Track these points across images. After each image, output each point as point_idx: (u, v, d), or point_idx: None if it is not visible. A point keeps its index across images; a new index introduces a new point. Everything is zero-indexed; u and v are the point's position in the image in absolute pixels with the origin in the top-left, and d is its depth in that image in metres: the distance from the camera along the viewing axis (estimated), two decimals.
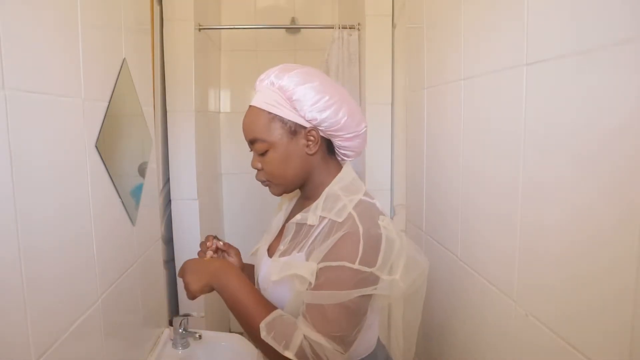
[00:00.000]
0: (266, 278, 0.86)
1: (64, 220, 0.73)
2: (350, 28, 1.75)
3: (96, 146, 0.85)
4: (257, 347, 0.81)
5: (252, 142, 0.86)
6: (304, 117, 0.83)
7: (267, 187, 0.90)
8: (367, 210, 0.79)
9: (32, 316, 0.61)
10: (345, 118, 0.83)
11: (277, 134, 0.83)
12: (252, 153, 0.89)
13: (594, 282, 0.59)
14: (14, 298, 0.59)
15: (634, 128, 0.51)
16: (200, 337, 1.28)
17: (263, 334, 0.74)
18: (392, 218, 1.71)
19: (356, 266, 0.74)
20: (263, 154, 0.85)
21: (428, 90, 1.26)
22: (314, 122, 0.83)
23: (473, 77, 0.95)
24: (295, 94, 0.81)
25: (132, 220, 1.05)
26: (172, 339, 1.29)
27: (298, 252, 0.82)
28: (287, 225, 0.89)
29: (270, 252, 0.92)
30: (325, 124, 0.83)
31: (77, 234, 0.78)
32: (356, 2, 1.81)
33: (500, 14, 0.83)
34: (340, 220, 0.77)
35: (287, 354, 0.72)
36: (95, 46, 0.85)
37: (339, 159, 0.93)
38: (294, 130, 0.83)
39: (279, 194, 0.91)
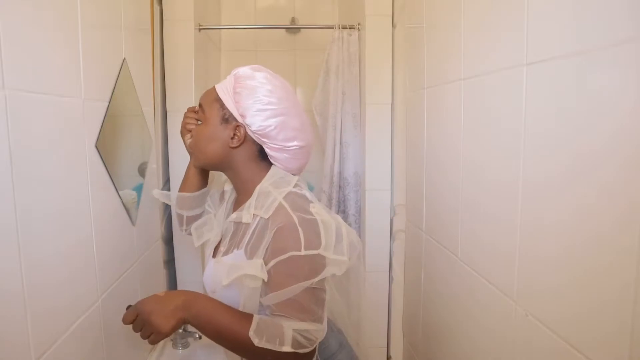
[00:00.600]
0: (213, 281, 0.89)
1: (64, 220, 0.73)
2: (350, 28, 1.75)
3: (96, 146, 0.85)
4: (248, 357, 0.81)
5: (198, 105, 0.94)
6: (238, 111, 0.87)
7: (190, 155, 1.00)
8: (298, 200, 0.84)
9: (32, 316, 0.61)
10: (272, 128, 0.86)
11: (213, 113, 0.90)
12: None
13: (594, 282, 0.59)
14: (14, 298, 0.59)
15: (634, 128, 0.51)
16: (200, 337, 1.28)
17: (256, 342, 0.75)
18: (392, 218, 1.71)
19: (303, 252, 0.78)
20: (199, 122, 0.93)
21: (428, 90, 1.26)
22: (245, 120, 0.87)
23: (473, 77, 0.95)
24: (241, 87, 0.87)
25: (132, 220, 1.05)
26: (172, 339, 1.29)
27: (237, 249, 0.86)
28: (225, 225, 0.95)
29: (215, 252, 0.97)
30: (253, 126, 0.86)
31: (77, 234, 0.78)
32: (356, 2, 1.81)
33: (500, 14, 0.83)
34: (266, 217, 0.82)
35: (284, 349, 0.76)
36: (95, 46, 0.85)
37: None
38: (227, 118, 0.89)
39: (199, 167, 1.01)
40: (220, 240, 0.98)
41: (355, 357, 1.01)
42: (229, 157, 0.90)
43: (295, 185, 0.88)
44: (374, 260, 1.71)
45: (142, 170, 1.15)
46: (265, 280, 0.79)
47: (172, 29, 1.61)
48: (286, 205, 0.81)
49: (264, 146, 0.89)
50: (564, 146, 0.64)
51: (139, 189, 1.13)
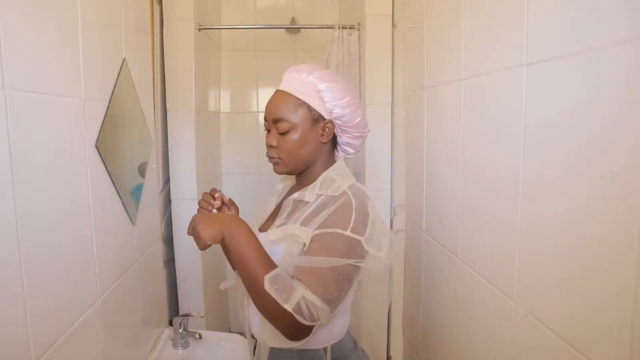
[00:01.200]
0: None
1: (64, 220, 0.73)
2: (350, 28, 1.75)
3: (96, 146, 0.85)
4: (252, 295, 0.84)
5: (275, 122, 0.94)
6: (327, 109, 0.93)
7: (274, 165, 0.99)
8: (359, 192, 0.90)
9: (32, 316, 0.61)
10: (359, 119, 0.95)
11: (301, 118, 0.92)
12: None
13: (594, 282, 0.59)
14: (14, 298, 0.59)
15: (633, 127, 0.51)
16: (200, 337, 1.28)
17: (267, 286, 0.79)
18: (392, 218, 1.71)
19: (348, 233, 0.83)
20: (283, 133, 0.93)
21: (428, 90, 1.26)
22: (334, 116, 0.94)
23: (473, 77, 0.95)
24: (324, 88, 0.92)
25: (132, 220, 1.05)
26: (172, 339, 1.29)
27: (293, 223, 0.90)
28: (284, 202, 0.97)
29: (263, 229, 1.00)
30: (343, 119, 0.94)
31: (77, 234, 0.78)
32: (356, 2, 1.81)
33: (500, 14, 0.83)
34: (336, 194, 0.88)
35: (286, 306, 0.78)
36: (95, 46, 0.85)
37: (337, 155, 1.04)
38: (316, 118, 0.93)
39: (283, 173, 0.99)
40: (267, 220, 1.02)
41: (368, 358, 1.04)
42: (317, 152, 0.96)
43: (357, 181, 0.95)
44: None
45: (142, 170, 1.15)
46: (307, 245, 0.84)
47: (172, 29, 1.61)
48: (349, 191, 0.88)
49: (343, 136, 0.97)
50: (564, 146, 0.64)
51: (139, 189, 1.13)
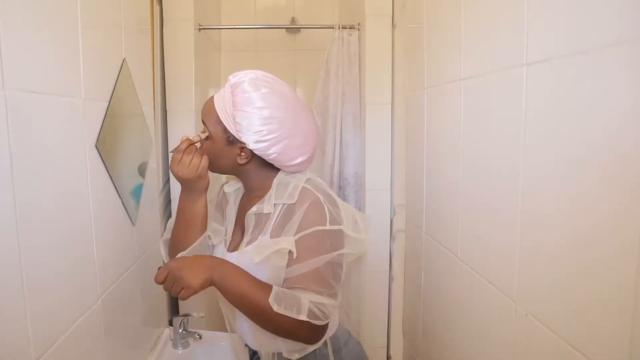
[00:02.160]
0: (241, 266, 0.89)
1: (63, 220, 0.73)
2: (350, 28, 1.75)
3: (96, 146, 0.85)
4: (264, 325, 0.84)
5: (202, 121, 0.95)
6: (240, 137, 0.88)
7: None
8: (318, 184, 0.91)
9: (32, 316, 0.61)
10: (276, 154, 0.88)
11: (217, 132, 0.91)
12: None
13: (594, 282, 0.59)
14: (14, 298, 0.59)
15: (633, 127, 0.51)
16: (200, 337, 1.28)
17: (275, 307, 0.79)
18: (392, 218, 1.71)
19: (328, 227, 0.84)
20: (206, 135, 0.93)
21: (428, 90, 1.26)
22: (249, 146, 0.88)
23: (473, 77, 0.95)
24: (241, 117, 0.86)
25: (132, 220, 1.05)
26: (172, 339, 1.29)
27: (262, 235, 0.89)
28: (245, 218, 0.94)
29: (231, 247, 0.98)
30: (257, 151, 0.89)
31: (77, 234, 0.78)
32: (356, 2, 1.81)
33: (500, 14, 0.83)
34: (293, 201, 0.86)
35: (300, 317, 0.80)
36: (95, 46, 0.85)
37: None
38: (231, 140, 0.90)
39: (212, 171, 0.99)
40: (233, 238, 1.00)
41: (361, 346, 1.06)
42: (238, 168, 0.94)
43: (309, 172, 0.96)
44: (374, 260, 1.71)
45: (142, 170, 1.15)
46: (295, 253, 0.84)
47: (172, 29, 1.61)
48: (309, 187, 0.87)
49: (275, 163, 0.92)
50: (564, 146, 0.64)
51: (139, 189, 1.13)
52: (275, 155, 0.89)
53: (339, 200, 0.91)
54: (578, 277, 0.62)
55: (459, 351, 1.08)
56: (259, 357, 0.98)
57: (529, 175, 0.74)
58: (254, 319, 0.84)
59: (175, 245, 0.99)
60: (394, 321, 1.71)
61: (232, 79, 0.91)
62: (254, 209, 0.92)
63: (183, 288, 0.80)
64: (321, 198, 0.86)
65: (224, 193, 1.07)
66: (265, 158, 0.90)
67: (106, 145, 0.89)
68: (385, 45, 1.67)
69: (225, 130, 0.90)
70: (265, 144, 0.87)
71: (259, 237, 0.90)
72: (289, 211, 0.87)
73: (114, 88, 0.94)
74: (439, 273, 1.20)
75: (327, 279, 0.84)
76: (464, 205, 1.02)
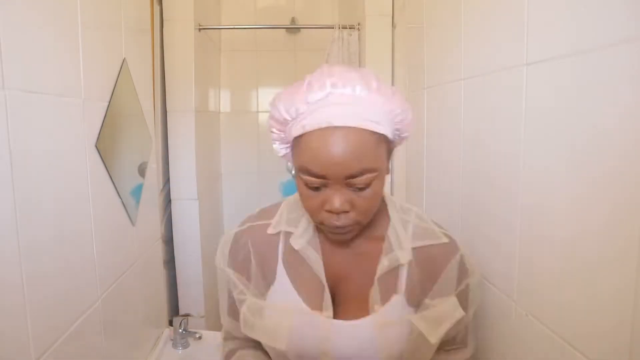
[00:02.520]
0: (379, 344, 0.69)
1: (63, 220, 0.73)
2: (350, 28, 1.75)
3: (96, 146, 0.85)
4: None
5: (354, 176, 0.61)
6: (408, 132, 0.71)
7: (342, 235, 0.67)
8: (436, 222, 0.76)
9: (32, 316, 0.61)
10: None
11: (383, 158, 0.65)
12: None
13: (594, 282, 0.59)
14: (14, 298, 0.59)
15: (633, 126, 0.51)
16: (200, 337, 1.28)
17: None
18: None
19: (479, 275, 0.75)
20: (362, 188, 0.62)
21: (428, 90, 1.26)
22: (402, 134, 0.71)
23: (473, 77, 0.95)
24: (397, 106, 0.66)
25: (132, 220, 1.05)
26: (172, 339, 1.29)
27: (396, 294, 0.70)
28: (377, 279, 0.70)
29: (343, 314, 0.71)
30: (405, 134, 0.71)
31: (77, 234, 0.78)
32: (356, 2, 1.81)
33: (500, 14, 0.83)
34: (440, 241, 0.72)
35: None
36: (95, 46, 0.85)
37: None
38: (390, 149, 0.69)
39: (348, 240, 0.72)
40: (346, 305, 0.73)
41: None
42: None
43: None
44: None
45: (142, 170, 1.15)
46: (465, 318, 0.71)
47: (172, 29, 1.61)
48: (433, 225, 0.75)
49: (399, 145, 0.74)
50: (564, 146, 0.64)
51: (138, 189, 1.13)
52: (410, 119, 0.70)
53: None
54: (578, 277, 0.62)
55: None
56: None
57: (529, 175, 0.74)
58: None
59: None
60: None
61: (347, 84, 0.63)
62: (384, 264, 0.69)
63: None
64: (456, 241, 0.74)
65: (288, 250, 0.74)
66: (402, 138, 0.71)
67: (106, 145, 0.89)
68: (385, 45, 1.66)
69: (387, 142, 0.66)
70: (411, 125, 0.71)
71: (393, 297, 0.70)
72: (427, 260, 0.70)
73: (114, 88, 0.94)
74: None
75: (474, 332, 0.77)
76: (463, 205, 1.02)
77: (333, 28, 1.76)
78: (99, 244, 0.85)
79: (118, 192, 0.96)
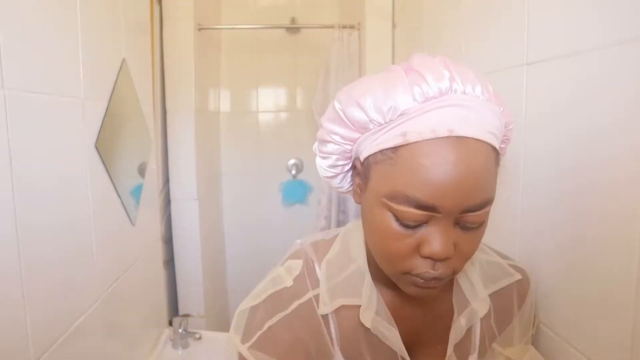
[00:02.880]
0: None
1: (63, 220, 0.73)
2: (350, 28, 1.75)
3: (96, 146, 0.85)
4: None
5: (471, 210, 0.46)
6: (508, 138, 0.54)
7: (430, 288, 0.49)
8: (492, 248, 0.64)
9: (32, 316, 0.61)
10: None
11: (495, 182, 0.50)
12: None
13: (595, 282, 0.58)
14: (13, 298, 0.59)
15: (633, 126, 0.51)
16: (200, 337, 1.28)
17: None
18: None
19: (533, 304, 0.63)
20: (473, 227, 0.48)
21: None
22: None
23: None
24: (510, 120, 0.51)
25: (132, 220, 1.05)
26: (172, 339, 1.29)
27: (471, 354, 0.59)
28: (451, 341, 0.57)
29: None
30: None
31: (77, 234, 0.78)
32: (356, 2, 1.81)
33: (500, 14, 0.83)
34: (519, 275, 0.60)
35: None
36: (95, 46, 0.85)
37: None
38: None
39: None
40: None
41: None
42: None
43: None
44: None
45: (141, 170, 1.15)
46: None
47: (172, 29, 1.61)
48: (497, 256, 0.62)
49: None
50: (564, 146, 0.64)
51: (138, 189, 1.13)
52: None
53: None
54: (578, 277, 0.62)
55: None
56: None
57: (528, 175, 0.74)
58: None
59: None
60: None
61: (467, 81, 0.46)
62: (461, 322, 0.56)
63: None
64: (528, 275, 0.62)
65: (344, 327, 0.56)
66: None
67: (106, 145, 0.89)
68: (385, 45, 1.66)
69: (497, 160, 0.50)
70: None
71: (469, 358, 0.59)
72: (501, 298, 0.58)
73: (114, 88, 0.94)
74: None
75: None
76: None
77: (333, 28, 1.76)
78: (99, 244, 0.85)
79: (118, 192, 0.96)
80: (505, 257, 0.64)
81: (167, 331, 1.34)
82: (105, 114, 0.89)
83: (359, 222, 0.56)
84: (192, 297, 1.71)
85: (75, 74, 0.77)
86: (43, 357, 0.64)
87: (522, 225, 0.76)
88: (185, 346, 1.29)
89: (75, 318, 0.76)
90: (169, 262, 1.68)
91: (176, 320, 1.27)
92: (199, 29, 1.70)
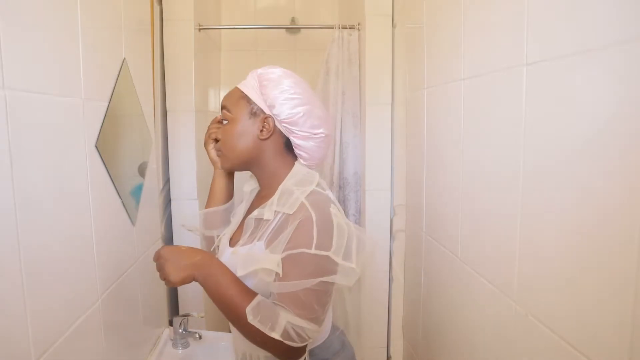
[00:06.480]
0: (230, 268, 0.88)
1: (63, 220, 0.73)
2: (350, 28, 1.75)
3: (96, 146, 0.85)
4: (240, 331, 0.83)
5: (222, 108, 0.95)
6: (266, 103, 0.90)
7: (219, 158, 1.00)
8: (319, 199, 0.86)
9: (32, 316, 0.61)
10: (301, 115, 0.89)
11: (240, 109, 0.92)
12: None
13: (594, 282, 0.59)
14: (14, 298, 0.59)
15: (632, 125, 0.51)
16: (200, 337, 1.28)
17: (250, 318, 0.78)
18: (392, 218, 1.71)
19: (313, 251, 0.79)
20: (225, 124, 0.94)
21: (428, 90, 1.26)
22: (273, 111, 0.89)
23: (473, 77, 0.95)
24: (267, 80, 0.90)
25: (132, 220, 1.05)
26: (172, 339, 1.29)
27: (258, 240, 0.87)
28: (246, 221, 0.93)
29: (232, 242, 0.98)
30: (282, 116, 0.89)
31: (77, 234, 0.78)
32: (356, 2, 1.81)
33: (500, 14, 0.83)
34: (291, 212, 0.83)
35: (273, 335, 0.77)
36: (95, 46, 0.85)
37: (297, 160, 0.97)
38: (255, 112, 0.91)
39: (228, 169, 1.01)
40: (236, 232, 1.00)
41: (355, 358, 1.01)
42: (258, 150, 0.92)
43: (318, 185, 0.90)
44: (373, 260, 1.71)
45: (142, 170, 1.15)
46: (280, 274, 0.81)
47: (172, 29, 1.61)
48: (307, 203, 0.83)
49: (291, 136, 0.91)
50: (564, 146, 0.64)
51: (138, 189, 1.13)
52: (300, 116, 0.88)
53: (338, 220, 0.84)
54: (578, 277, 0.62)
55: (459, 351, 1.08)
56: None
57: (528, 175, 0.74)
58: (232, 322, 0.85)
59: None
60: (394, 321, 1.71)
61: (253, 71, 0.95)
62: (255, 213, 0.90)
63: (164, 279, 0.83)
64: (314, 218, 0.80)
65: (243, 192, 1.08)
66: (290, 124, 0.89)
67: (106, 145, 0.89)
68: (385, 45, 1.66)
69: (248, 102, 0.91)
70: (292, 102, 0.88)
71: (255, 241, 0.88)
72: (285, 223, 0.83)
73: (114, 88, 0.94)
74: (439, 273, 1.20)
75: (310, 303, 0.80)
76: (464, 205, 1.02)
77: (333, 28, 1.76)
78: (99, 244, 0.85)
79: (118, 192, 0.96)
80: (317, 206, 0.85)
81: (167, 331, 1.34)
82: (106, 114, 0.89)
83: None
84: (192, 297, 1.71)
85: (76, 74, 0.77)
86: (43, 357, 0.64)
87: (521, 224, 0.76)
88: (185, 346, 1.29)
89: (76, 318, 0.76)
90: None
91: (176, 320, 1.27)
92: (199, 29, 1.70)
